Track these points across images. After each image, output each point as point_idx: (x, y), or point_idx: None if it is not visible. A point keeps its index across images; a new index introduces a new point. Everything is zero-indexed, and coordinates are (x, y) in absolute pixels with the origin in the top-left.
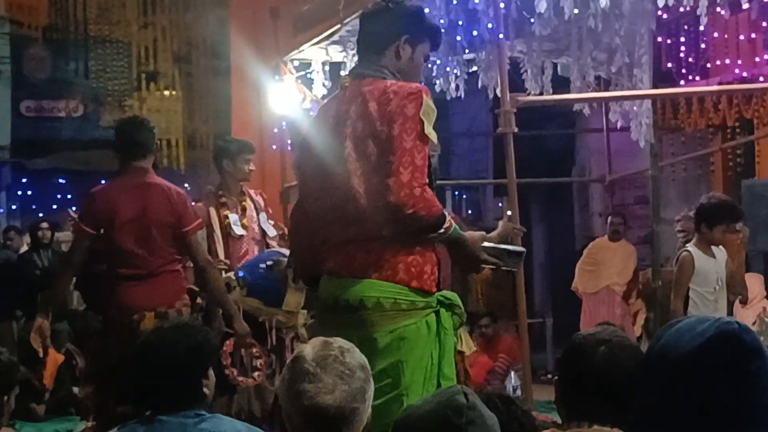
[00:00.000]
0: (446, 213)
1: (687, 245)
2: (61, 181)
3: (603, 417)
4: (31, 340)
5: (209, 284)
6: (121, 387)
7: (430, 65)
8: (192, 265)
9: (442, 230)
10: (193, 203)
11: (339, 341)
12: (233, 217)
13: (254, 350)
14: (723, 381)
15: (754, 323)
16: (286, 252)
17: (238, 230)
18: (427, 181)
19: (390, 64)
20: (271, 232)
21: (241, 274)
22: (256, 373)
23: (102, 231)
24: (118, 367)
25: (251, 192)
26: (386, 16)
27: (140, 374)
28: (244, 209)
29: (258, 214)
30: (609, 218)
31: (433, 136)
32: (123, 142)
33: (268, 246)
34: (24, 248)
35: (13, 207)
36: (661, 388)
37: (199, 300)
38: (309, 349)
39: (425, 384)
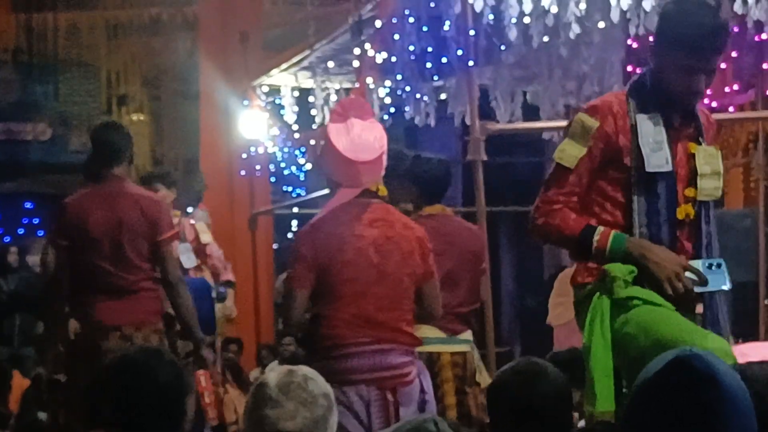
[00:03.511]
0: (598, 231)
1: None
2: (28, 205)
3: None
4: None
5: (178, 302)
6: (95, 409)
7: (399, 92)
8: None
9: (593, 250)
10: None
11: (304, 369)
12: None
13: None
14: (672, 407)
15: None
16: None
17: None
18: (555, 198)
19: (648, 69)
20: (188, 263)
21: None
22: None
23: (73, 243)
24: (92, 388)
25: (186, 221)
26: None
27: (122, 396)
28: None
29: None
30: None
31: (566, 159)
32: (96, 147)
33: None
34: None
35: None
36: (627, 411)
37: (178, 327)
38: (273, 375)
39: None
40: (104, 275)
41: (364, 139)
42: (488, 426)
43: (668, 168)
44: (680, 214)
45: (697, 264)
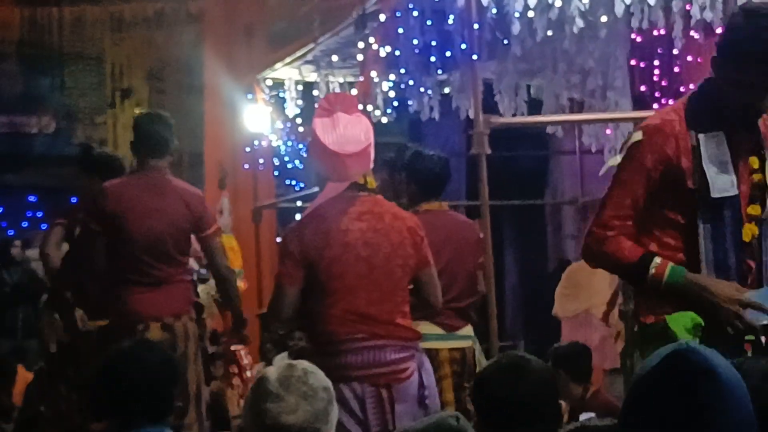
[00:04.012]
0: (655, 262)
1: None
2: (31, 198)
3: None
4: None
5: (230, 292)
6: (94, 402)
7: (403, 86)
8: (211, 272)
9: (648, 278)
10: None
11: (304, 363)
12: None
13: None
14: (669, 400)
15: None
16: None
17: None
18: (610, 223)
19: (708, 82)
20: None
21: None
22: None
23: (108, 231)
24: (93, 382)
25: None
26: None
27: (115, 388)
28: None
29: None
30: None
31: (622, 181)
32: (138, 138)
33: None
34: None
35: None
36: (625, 405)
37: (204, 316)
38: (273, 370)
39: None
40: (143, 266)
41: (350, 132)
42: (475, 422)
43: (734, 191)
44: (746, 236)
45: (760, 293)
